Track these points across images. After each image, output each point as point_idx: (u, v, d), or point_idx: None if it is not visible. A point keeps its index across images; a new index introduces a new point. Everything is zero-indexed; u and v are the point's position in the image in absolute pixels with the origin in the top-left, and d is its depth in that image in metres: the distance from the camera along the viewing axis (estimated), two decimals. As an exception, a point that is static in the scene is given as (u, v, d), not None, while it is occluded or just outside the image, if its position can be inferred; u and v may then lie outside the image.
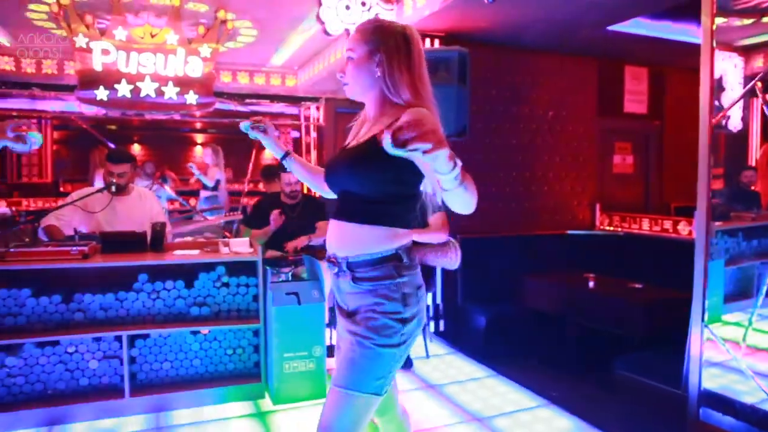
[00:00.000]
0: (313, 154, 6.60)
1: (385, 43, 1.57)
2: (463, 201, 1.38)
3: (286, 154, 1.88)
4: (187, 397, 3.20)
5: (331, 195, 1.79)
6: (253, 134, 1.82)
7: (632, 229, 5.35)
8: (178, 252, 3.37)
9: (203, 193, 6.86)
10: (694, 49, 3.06)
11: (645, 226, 5.23)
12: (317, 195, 4.90)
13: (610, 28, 4.84)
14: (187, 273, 3.29)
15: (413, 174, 1.52)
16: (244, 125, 1.80)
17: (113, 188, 3.54)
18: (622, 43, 5.29)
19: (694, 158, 2.99)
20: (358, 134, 1.68)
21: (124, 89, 4.31)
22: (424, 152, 1.15)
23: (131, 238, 3.32)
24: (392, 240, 1.56)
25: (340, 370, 1.57)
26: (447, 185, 1.29)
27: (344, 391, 1.52)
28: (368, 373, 1.52)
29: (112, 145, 4.65)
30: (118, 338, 3.11)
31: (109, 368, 3.13)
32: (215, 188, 6.79)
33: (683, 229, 4.90)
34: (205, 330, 3.29)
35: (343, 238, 1.60)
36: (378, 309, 1.54)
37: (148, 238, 3.37)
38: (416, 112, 1.48)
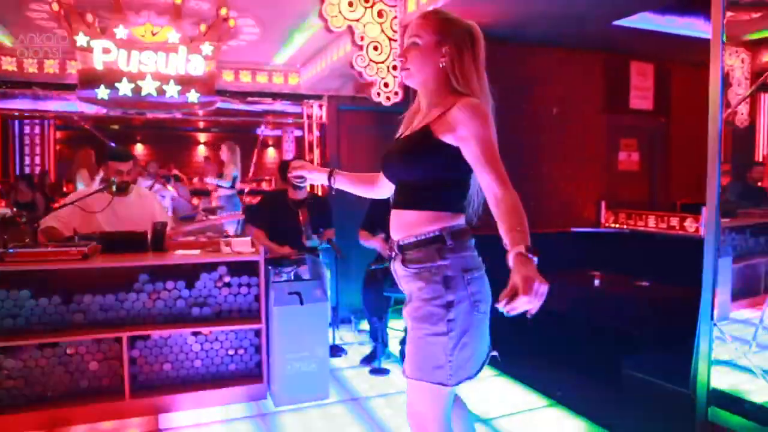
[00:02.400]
0: (316, 152, 6.56)
1: (454, 36, 1.60)
2: None
3: (330, 174, 1.94)
4: (188, 398, 3.17)
5: (385, 194, 1.86)
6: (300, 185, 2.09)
7: (638, 226, 5.29)
8: (179, 252, 3.33)
9: (222, 192, 6.84)
10: (700, 44, 3.01)
11: (651, 223, 5.18)
12: (323, 195, 4.89)
13: (615, 22, 4.79)
14: (188, 273, 3.25)
15: (461, 163, 1.56)
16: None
17: (114, 188, 3.52)
18: (628, 39, 5.23)
19: (700, 155, 2.94)
20: (411, 124, 1.72)
21: (125, 88, 4.27)
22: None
23: (131, 238, 3.29)
24: (435, 222, 1.58)
25: (407, 359, 1.62)
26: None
27: (409, 381, 1.60)
28: (424, 362, 1.55)
29: (113, 144, 4.61)
30: (118, 339, 3.07)
31: (110, 370, 3.09)
32: (232, 186, 6.78)
33: (690, 226, 4.85)
34: (206, 331, 3.26)
35: (399, 223, 1.65)
36: (421, 296, 1.57)
37: (149, 238, 3.34)
38: (471, 104, 1.54)
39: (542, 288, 1.27)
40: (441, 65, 1.60)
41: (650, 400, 3.29)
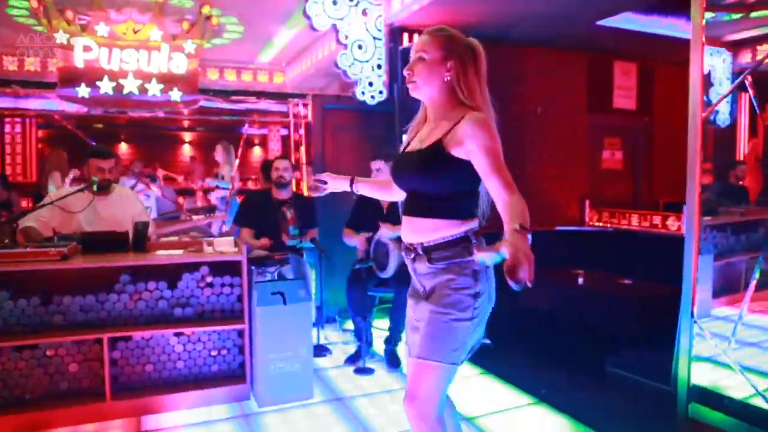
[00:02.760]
0: (302, 151, 6.53)
1: (457, 51, 1.74)
2: None
3: (352, 181, 2.08)
4: (170, 399, 3.14)
5: (399, 198, 1.98)
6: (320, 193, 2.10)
7: (621, 224, 5.34)
8: (160, 252, 3.30)
9: (218, 193, 6.78)
10: (683, 44, 3.03)
11: (634, 221, 5.22)
12: (308, 195, 4.86)
13: (599, 23, 4.82)
14: (170, 273, 3.22)
15: (472, 174, 1.69)
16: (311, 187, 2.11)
17: (95, 186, 3.48)
18: (612, 38, 5.27)
19: (682, 153, 2.97)
20: (419, 133, 1.84)
21: (106, 86, 4.21)
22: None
23: (112, 239, 3.25)
24: (459, 226, 1.73)
25: (419, 344, 1.73)
26: None
27: (424, 361, 1.70)
28: (444, 344, 1.69)
29: (93, 143, 4.54)
30: (99, 341, 3.03)
31: (90, 372, 3.05)
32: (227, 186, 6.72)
33: (672, 224, 4.90)
34: (188, 331, 3.23)
35: (416, 229, 1.77)
36: (452, 285, 1.71)
37: (131, 238, 3.30)
38: (477, 118, 1.68)
39: (529, 254, 1.40)
40: (446, 79, 1.73)
41: (633, 398, 3.32)
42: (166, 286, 3.18)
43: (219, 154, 6.83)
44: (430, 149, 1.73)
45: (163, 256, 3.23)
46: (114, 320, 3.10)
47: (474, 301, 1.71)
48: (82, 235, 3.24)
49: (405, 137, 1.95)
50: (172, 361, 3.23)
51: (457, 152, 1.68)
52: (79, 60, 4.19)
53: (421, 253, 1.76)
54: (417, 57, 1.76)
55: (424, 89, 1.76)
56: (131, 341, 3.15)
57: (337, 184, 2.09)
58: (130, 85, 4.30)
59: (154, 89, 4.35)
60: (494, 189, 1.63)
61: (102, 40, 4.24)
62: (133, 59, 4.31)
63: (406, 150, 1.86)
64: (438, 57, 1.72)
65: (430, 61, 1.73)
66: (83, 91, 4.20)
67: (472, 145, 1.65)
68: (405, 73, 1.78)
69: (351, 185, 2.08)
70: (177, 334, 3.22)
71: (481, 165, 1.65)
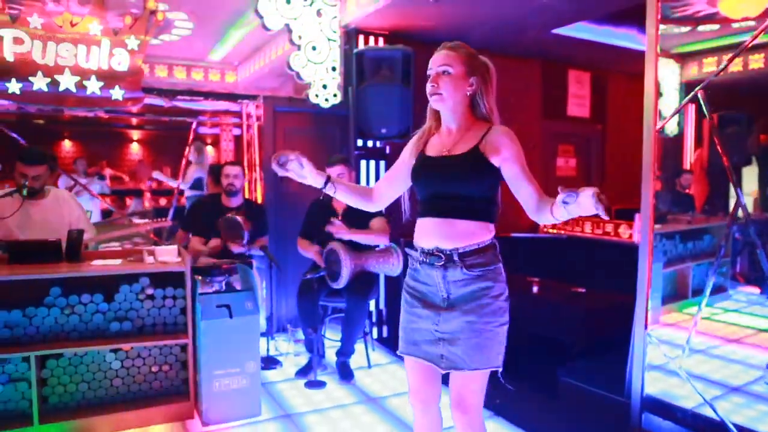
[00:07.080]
0: (257, 153, 6.33)
1: (479, 68, 1.88)
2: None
3: (327, 180, 1.96)
4: (106, 420, 2.92)
5: (377, 209, 2.11)
6: (280, 172, 1.88)
7: (575, 232, 5.38)
8: (97, 262, 3.08)
9: (189, 193, 6.52)
10: (634, 55, 3.04)
11: (587, 229, 5.27)
12: (258, 200, 4.68)
13: (554, 31, 4.84)
14: (107, 285, 3.01)
15: (498, 182, 1.86)
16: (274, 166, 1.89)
17: (24, 192, 3.23)
18: (566, 47, 5.31)
19: (634, 161, 2.97)
20: (439, 143, 1.91)
21: (39, 82, 3.92)
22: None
23: (43, 248, 3.01)
24: (489, 231, 1.86)
25: (468, 355, 1.79)
26: (561, 217, 1.68)
27: (476, 372, 1.80)
28: (492, 350, 1.82)
29: (23, 142, 4.22)
30: (26, 359, 2.80)
31: (16, 392, 2.80)
32: (200, 187, 6.45)
33: (624, 232, 4.96)
34: (126, 347, 3.02)
35: (450, 233, 1.82)
36: (490, 293, 1.80)
37: (64, 246, 3.07)
38: (508, 130, 1.85)
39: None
40: (468, 93, 1.86)
41: (586, 409, 3.30)
42: (102, 299, 2.97)
43: (192, 155, 6.58)
44: (470, 154, 1.83)
45: (99, 266, 3.02)
46: (44, 336, 2.87)
47: (507, 305, 1.85)
48: (8, 244, 2.99)
49: (411, 146, 1.99)
50: (108, 379, 3.01)
51: (493, 159, 1.80)
52: (8, 53, 3.89)
53: (456, 259, 1.80)
54: (441, 71, 1.84)
55: (449, 101, 1.85)
56: (62, 359, 2.92)
57: (306, 174, 1.90)
58: (67, 82, 4.01)
59: (94, 86, 4.08)
60: (527, 191, 1.79)
61: (36, 33, 3.95)
62: (71, 54, 4.02)
63: (434, 156, 1.90)
64: (462, 72, 1.83)
65: (455, 75, 1.83)
66: (14, 86, 3.89)
67: (508, 153, 1.80)
68: (430, 85, 1.84)
69: (325, 184, 1.94)
70: (114, 350, 3.01)
71: (516, 171, 1.80)
